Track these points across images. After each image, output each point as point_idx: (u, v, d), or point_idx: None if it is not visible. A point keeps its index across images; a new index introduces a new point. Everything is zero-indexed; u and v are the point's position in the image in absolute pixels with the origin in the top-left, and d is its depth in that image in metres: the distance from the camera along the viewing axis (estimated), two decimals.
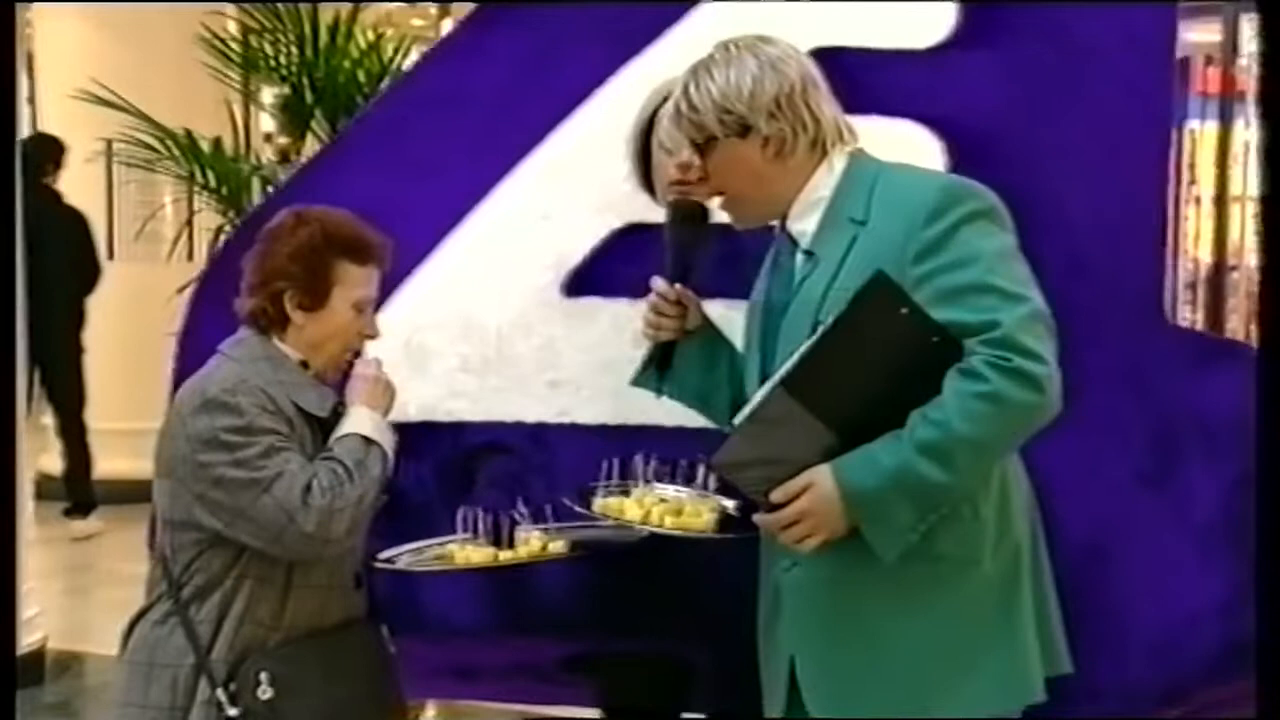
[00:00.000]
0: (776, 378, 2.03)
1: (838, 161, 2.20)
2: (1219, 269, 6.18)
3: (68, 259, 6.90)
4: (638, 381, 2.45)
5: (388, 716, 2.51)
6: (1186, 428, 2.55)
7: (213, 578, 2.31)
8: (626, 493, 2.50)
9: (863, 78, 2.53)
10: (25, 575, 4.93)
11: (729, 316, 2.59)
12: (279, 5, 5.25)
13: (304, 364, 2.40)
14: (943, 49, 2.62)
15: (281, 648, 2.31)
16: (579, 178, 2.73)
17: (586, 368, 2.57)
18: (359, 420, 2.36)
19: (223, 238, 5.36)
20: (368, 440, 2.33)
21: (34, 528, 5.43)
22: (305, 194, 2.78)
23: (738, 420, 2.08)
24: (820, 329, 2.03)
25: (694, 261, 2.39)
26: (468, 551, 2.52)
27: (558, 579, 2.60)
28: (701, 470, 2.49)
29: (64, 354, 7.01)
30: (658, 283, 2.38)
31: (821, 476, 2.03)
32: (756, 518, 2.10)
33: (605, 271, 2.68)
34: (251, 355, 2.37)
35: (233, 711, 2.27)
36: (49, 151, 7.05)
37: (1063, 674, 2.25)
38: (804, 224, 2.21)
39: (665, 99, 2.63)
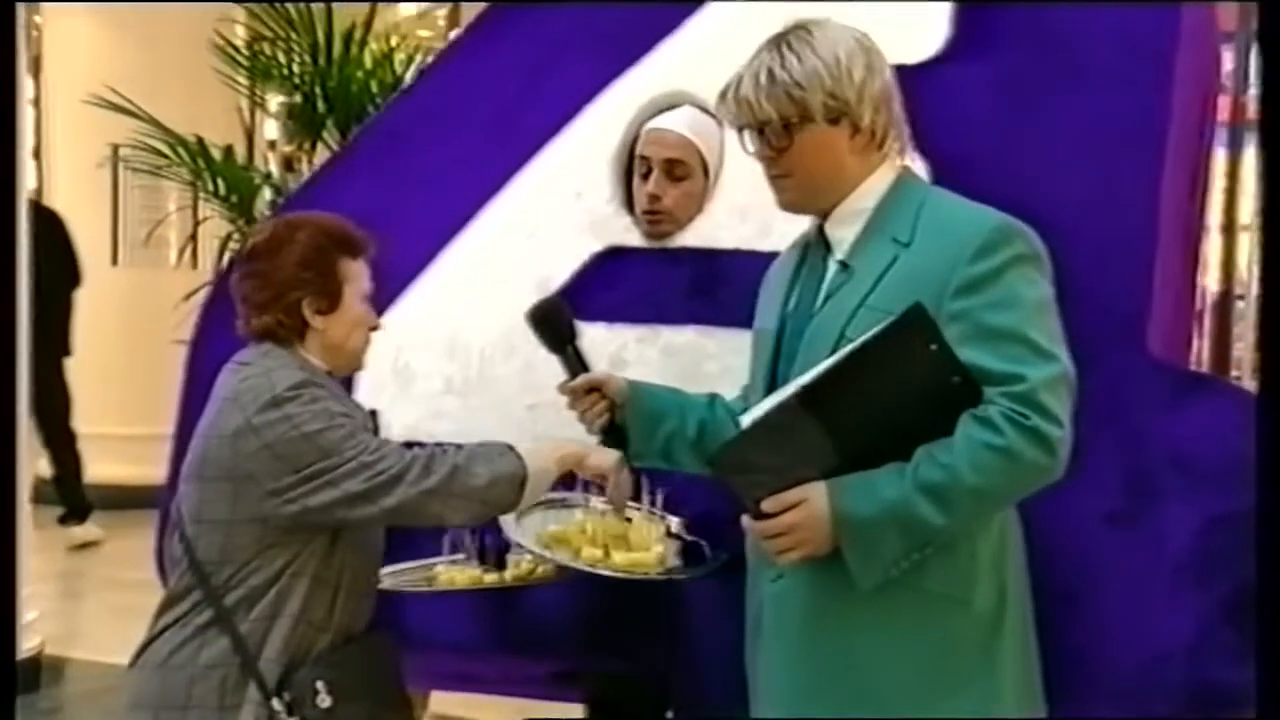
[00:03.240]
0: (794, 387, 2.00)
1: (888, 174, 2.14)
2: (1225, 297, 6.17)
3: (45, 261, 6.84)
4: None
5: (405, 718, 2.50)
6: (1162, 464, 2.48)
7: (269, 576, 2.28)
8: (568, 504, 2.51)
9: None
10: (23, 579, 4.91)
11: (699, 343, 2.61)
12: (291, 10, 5.24)
13: (329, 374, 2.41)
14: (934, 62, 2.58)
15: (332, 653, 2.31)
16: (564, 196, 2.73)
17: None
18: (538, 457, 2.33)
19: (230, 246, 5.36)
20: (522, 480, 2.29)
21: (29, 532, 5.38)
22: (310, 206, 2.75)
23: (747, 421, 2.05)
24: (848, 348, 1.99)
25: (575, 351, 2.38)
26: (452, 573, 2.51)
27: (542, 599, 2.59)
28: (646, 486, 2.51)
29: (46, 359, 6.94)
30: (563, 388, 2.38)
31: (817, 494, 1.99)
32: (745, 522, 2.06)
33: (586, 294, 2.64)
34: (286, 364, 2.35)
35: None
36: None
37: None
38: (843, 231, 2.14)
39: (650, 118, 2.67)
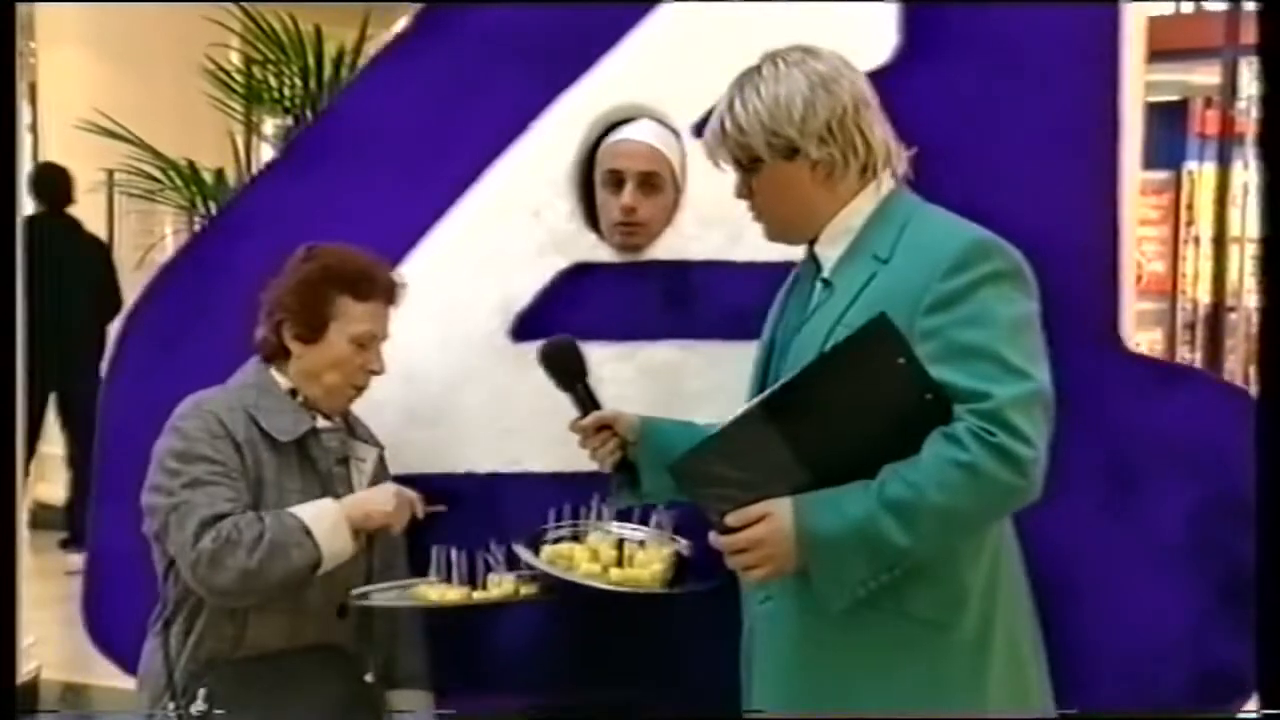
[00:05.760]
0: (757, 399, 1.98)
1: (880, 190, 2.13)
2: (1217, 310, 6.18)
3: (87, 287, 6.89)
4: (617, 502, 2.44)
5: None
6: (1144, 453, 2.50)
7: (183, 590, 2.37)
8: (578, 538, 2.47)
9: None
10: (20, 603, 4.91)
11: (679, 359, 2.57)
12: (282, 35, 5.27)
13: (293, 392, 2.44)
14: (884, 71, 2.54)
15: (234, 665, 2.36)
16: (519, 217, 2.65)
17: (537, 414, 2.46)
18: (320, 514, 2.34)
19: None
20: (308, 533, 2.30)
21: (30, 556, 5.38)
22: (212, 248, 2.78)
23: (710, 433, 2.02)
24: (810, 360, 1.99)
25: (586, 388, 2.36)
26: (442, 590, 2.46)
27: (522, 630, 2.56)
28: (655, 515, 2.48)
29: (83, 382, 6.99)
30: (574, 426, 2.35)
31: (781, 509, 1.95)
32: (711, 538, 2.04)
33: (553, 314, 2.58)
34: (242, 382, 2.45)
35: None
36: (60, 180, 7.01)
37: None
38: (830, 250, 2.14)
39: (606, 131, 2.63)
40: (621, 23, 2.66)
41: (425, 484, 2.52)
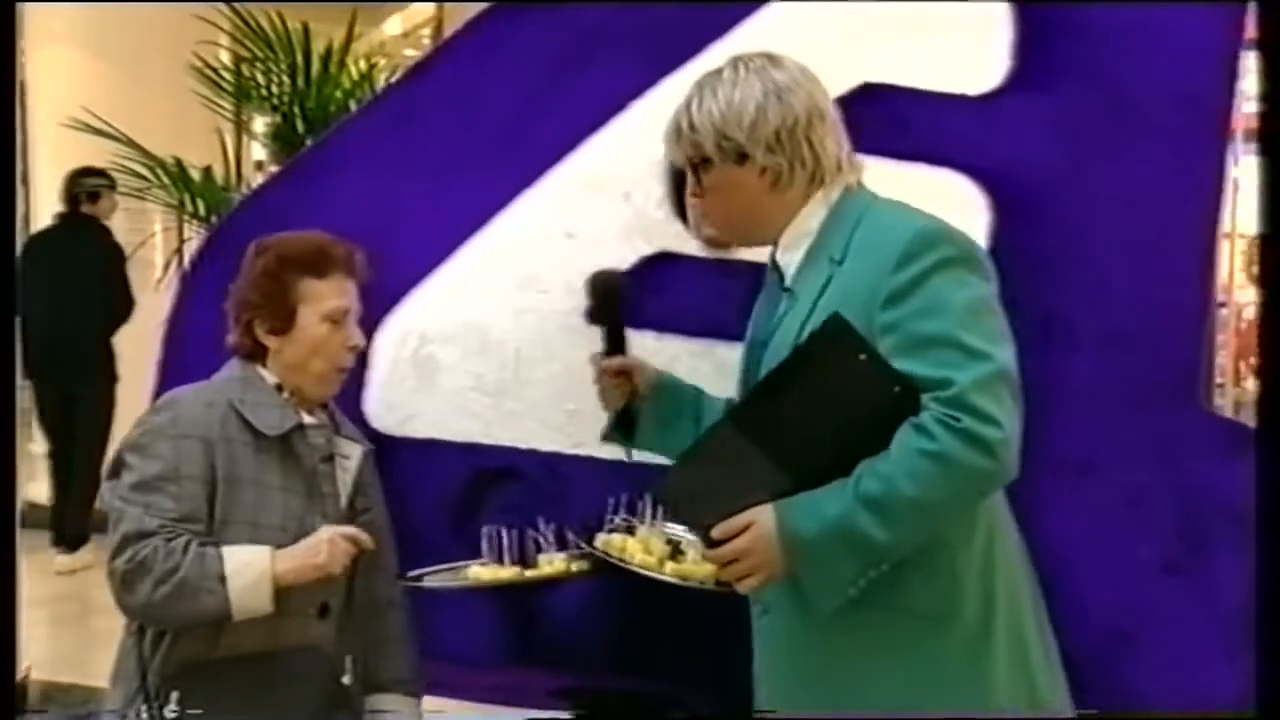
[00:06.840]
0: (725, 414, 1.99)
1: (832, 195, 2.14)
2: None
3: (102, 289, 6.88)
4: (607, 438, 2.45)
5: None
6: (1217, 514, 2.47)
7: None
8: (631, 531, 2.47)
9: (911, 120, 2.46)
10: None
11: (730, 356, 2.54)
12: (270, 33, 5.28)
13: (279, 387, 2.43)
14: (994, 96, 2.55)
15: (210, 667, 2.33)
16: (609, 197, 2.64)
17: None
18: (246, 565, 2.28)
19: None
20: (222, 580, 2.26)
21: (20, 556, 5.37)
22: (294, 190, 2.76)
23: (684, 452, 2.05)
24: (774, 367, 2.00)
25: (620, 330, 2.36)
26: (494, 570, 2.47)
27: (567, 609, 2.57)
28: None
29: (106, 381, 6.99)
30: (595, 359, 2.37)
31: (764, 516, 1.98)
32: (701, 553, 2.05)
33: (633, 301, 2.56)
34: (227, 377, 2.44)
35: None
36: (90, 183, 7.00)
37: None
38: (789, 256, 2.16)
39: None
40: (730, 15, 2.65)
41: (486, 455, 2.54)
